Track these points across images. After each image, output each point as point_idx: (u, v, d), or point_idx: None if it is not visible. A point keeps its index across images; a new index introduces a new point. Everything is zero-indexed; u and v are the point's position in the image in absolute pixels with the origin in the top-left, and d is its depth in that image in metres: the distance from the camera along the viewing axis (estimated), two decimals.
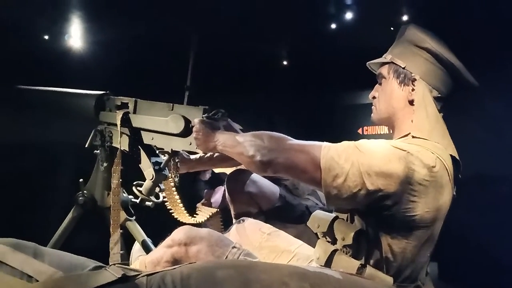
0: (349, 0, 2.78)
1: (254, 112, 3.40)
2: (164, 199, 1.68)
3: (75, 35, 2.64)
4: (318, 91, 3.59)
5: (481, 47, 2.49)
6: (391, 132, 1.41)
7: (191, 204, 2.06)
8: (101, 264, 1.02)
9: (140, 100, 1.53)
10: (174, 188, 1.69)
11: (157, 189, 1.56)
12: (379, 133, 3.53)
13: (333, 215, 1.30)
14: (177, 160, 1.51)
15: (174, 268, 0.98)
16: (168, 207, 1.73)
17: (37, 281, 0.91)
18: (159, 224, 1.61)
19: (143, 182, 1.54)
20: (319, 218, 1.33)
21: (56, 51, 2.61)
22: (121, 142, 1.48)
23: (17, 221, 2.28)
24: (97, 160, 1.63)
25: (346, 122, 3.75)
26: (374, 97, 1.42)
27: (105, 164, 1.60)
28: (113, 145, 1.58)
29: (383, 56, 1.41)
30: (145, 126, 1.50)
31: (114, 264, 0.98)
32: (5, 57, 2.18)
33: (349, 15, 2.84)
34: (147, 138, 1.51)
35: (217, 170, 2.15)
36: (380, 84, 1.40)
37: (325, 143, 1.20)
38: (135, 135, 1.52)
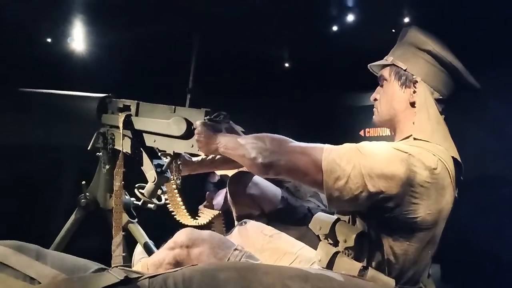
0: (350, 2, 2.78)
1: (256, 114, 3.40)
2: (166, 201, 1.68)
3: (78, 38, 2.64)
4: (320, 93, 3.59)
5: (482, 49, 2.48)
6: (392, 134, 1.41)
7: (193, 206, 2.06)
8: (103, 266, 1.02)
9: (142, 103, 1.54)
10: (176, 190, 1.69)
11: (159, 191, 1.55)
12: (381, 135, 3.52)
13: (335, 217, 1.31)
14: (179, 162, 1.51)
15: (176, 270, 0.98)
16: (170, 209, 1.73)
17: (40, 283, 0.91)
18: (161, 226, 1.61)
19: (145, 184, 1.54)
20: (321, 220, 1.33)
21: (59, 54, 2.62)
22: (123, 145, 1.49)
23: (20, 223, 2.29)
24: (100, 163, 1.63)
25: (347, 124, 3.74)
26: (375, 99, 1.42)
27: (107, 167, 1.61)
28: (115, 147, 1.58)
29: (384, 58, 1.41)
30: (147, 128, 1.50)
31: (117, 266, 0.98)
32: (8, 60, 2.19)
33: (350, 17, 2.83)
34: (149, 141, 1.51)
35: (219, 172, 2.15)
36: (382, 86, 1.40)
37: (326, 145, 1.20)
38: (137, 137, 1.53)
